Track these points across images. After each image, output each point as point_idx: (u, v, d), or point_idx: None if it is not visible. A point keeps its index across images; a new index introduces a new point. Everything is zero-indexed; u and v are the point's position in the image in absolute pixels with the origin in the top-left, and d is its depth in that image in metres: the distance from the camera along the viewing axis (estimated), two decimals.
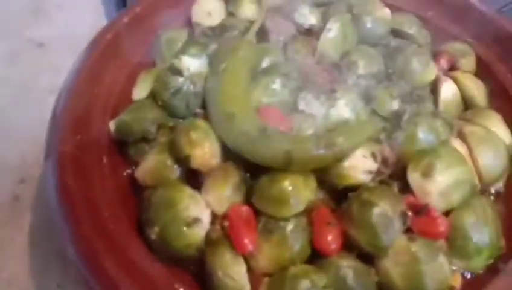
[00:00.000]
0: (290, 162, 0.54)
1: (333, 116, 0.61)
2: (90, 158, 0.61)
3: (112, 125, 0.65)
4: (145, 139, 0.64)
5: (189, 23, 0.78)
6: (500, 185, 0.64)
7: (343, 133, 0.56)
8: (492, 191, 0.64)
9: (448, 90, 0.69)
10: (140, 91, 0.70)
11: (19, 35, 1.04)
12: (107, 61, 0.71)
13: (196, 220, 0.54)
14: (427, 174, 0.55)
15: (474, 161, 0.61)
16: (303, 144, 0.55)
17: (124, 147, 0.66)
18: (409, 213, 0.54)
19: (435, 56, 0.75)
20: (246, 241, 0.53)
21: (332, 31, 0.68)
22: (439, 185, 0.55)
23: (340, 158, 0.55)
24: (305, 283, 0.50)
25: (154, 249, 0.55)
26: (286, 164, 0.54)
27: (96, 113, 0.66)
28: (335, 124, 0.60)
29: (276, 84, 0.63)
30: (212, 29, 0.73)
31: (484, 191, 0.63)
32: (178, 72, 0.64)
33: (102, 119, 0.66)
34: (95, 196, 0.58)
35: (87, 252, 0.53)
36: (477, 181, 0.60)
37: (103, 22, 0.98)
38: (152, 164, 0.60)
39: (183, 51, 0.68)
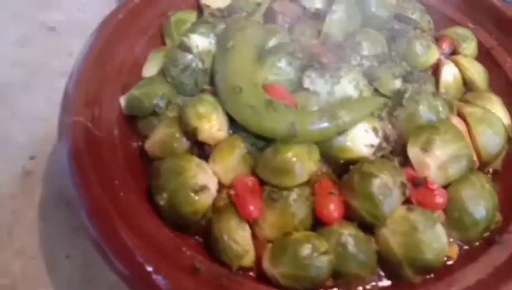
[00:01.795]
0: (294, 133, 0.56)
1: (337, 93, 0.62)
2: (101, 131, 0.64)
3: (122, 100, 0.68)
4: (154, 113, 0.66)
5: (198, 6, 0.80)
6: (498, 164, 0.66)
7: (345, 107, 0.58)
8: (491, 170, 0.66)
9: (449, 73, 0.71)
10: (150, 68, 0.72)
11: (31, 19, 1.07)
12: (118, 40, 0.73)
13: (203, 188, 0.56)
14: (426, 148, 0.57)
15: (472, 140, 0.63)
16: (307, 116, 0.57)
17: (134, 121, 0.68)
18: (408, 185, 0.56)
19: (438, 41, 0.77)
20: (251, 207, 0.55)
21: (337, 12, 0.70)
22: (438, 159, 0.57)
23: (342, 131, 0.57)
24: (306, 247, 0.52)
25: (163, 216, 0.57)
26: (290, 136, 0.56)
27: (107, 90, 0.68)
28: (339, 101, 0.62)
29: (282, 63, 0.65)
30: (221, 10, 0.75)
31: (482, 169, 0.65)
32: (187, 49, 0.66)
33: (113, 95, 0.68)
34: (106, 166, 0.60)
35: (100, 216, 0.55)
36: (475, 157, 0.62)
37: (114, 7, 1.01)
38: (161, 136, 0.62)
39: (192, 29, 0.70)
